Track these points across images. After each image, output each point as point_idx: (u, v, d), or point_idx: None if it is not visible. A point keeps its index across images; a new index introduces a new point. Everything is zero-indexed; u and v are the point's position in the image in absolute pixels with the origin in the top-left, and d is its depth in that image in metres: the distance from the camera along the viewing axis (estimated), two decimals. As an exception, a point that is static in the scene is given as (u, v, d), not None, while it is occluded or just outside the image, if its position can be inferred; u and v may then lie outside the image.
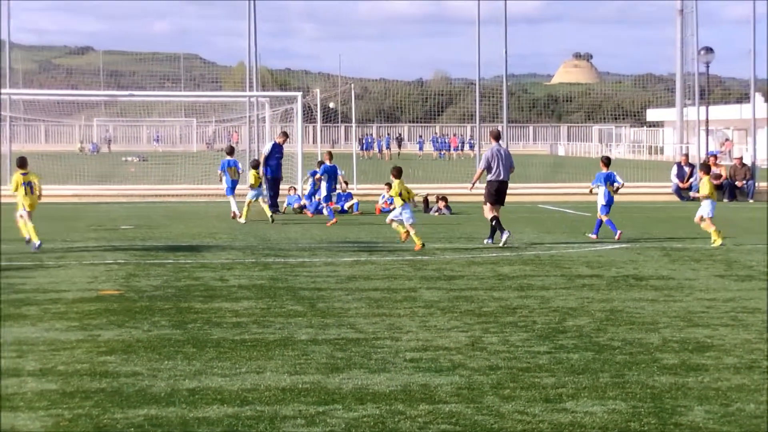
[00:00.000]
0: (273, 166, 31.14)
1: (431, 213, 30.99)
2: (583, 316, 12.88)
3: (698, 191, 22.73)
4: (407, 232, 21.09)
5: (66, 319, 12.48)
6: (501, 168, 21.77)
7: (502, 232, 21.35)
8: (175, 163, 51.75)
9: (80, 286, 15.28)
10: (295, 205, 31.75)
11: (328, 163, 28.89)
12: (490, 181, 21.87)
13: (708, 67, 44.28)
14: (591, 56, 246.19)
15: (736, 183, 39.78)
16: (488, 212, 21.88)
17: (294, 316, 12.74)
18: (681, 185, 39.71)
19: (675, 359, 10.31)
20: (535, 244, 21.81)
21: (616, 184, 23.18)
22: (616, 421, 8.10)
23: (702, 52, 43.88)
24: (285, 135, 32.76)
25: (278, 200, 31.21)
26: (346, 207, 31.32)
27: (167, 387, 9.08)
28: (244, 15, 42.15)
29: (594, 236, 22.87)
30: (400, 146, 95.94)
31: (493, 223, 21.70)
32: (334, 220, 26.97)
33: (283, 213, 31.07)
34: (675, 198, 39.47)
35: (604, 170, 23.19)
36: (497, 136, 22.42)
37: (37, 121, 78.51)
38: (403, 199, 21.11)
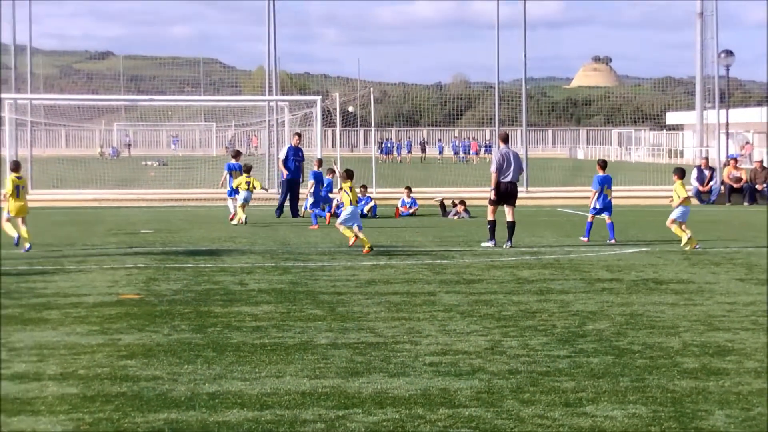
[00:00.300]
0: (291, 169, 31.19)
1: (450, 217, 30.97)
2: (602, 320, 12.86)
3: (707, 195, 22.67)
4: (356, 236, 21.37)
5: (86, 323, 12.53)
6: (512, 169, 22.15)
7: (490, 239, 22.10)
8: (194, 168, 51.86)
9: (101, 290, 15.34)
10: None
11: (316, 169, 29.04)
12: (500, 182, 22.14)
13: (728, 70, 44.13)
14: (610, 59, 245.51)
15: (756, 186, 39.63)
16: (491, 215, 22.31)
17: (313, 320, 12.76)
18: (701, 189, 39.60)
19: (695, 363, 10.28)
20: (554, 248, 21.79)
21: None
22: (637, 425, 8.08)
23: (722, 55, 43.75)
24: (298, 136, 32.78)
25: (298, 204, 31.27)
26: (365, 210, 31.33)
27: (187, 391, 9.10)
28: (263, 19, 42.25)
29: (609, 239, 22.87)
30: (424, 151, 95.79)
31: (489, 227, 22.31)
32: (315, 226, 27.00)
33: (302, 217, 31.11)
34: (695, 201, 39.35)
35: (601, 173, 23.16)
36: (506, 139, 22.87)
37: (57, 125, 78.83)
38: (350, 202, 21.42)
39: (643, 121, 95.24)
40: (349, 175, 22.34)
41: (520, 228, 27.17)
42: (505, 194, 22.14)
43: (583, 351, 10.88)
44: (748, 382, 9.53)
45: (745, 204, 38.89)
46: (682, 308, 13.77)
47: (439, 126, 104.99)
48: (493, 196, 22.31)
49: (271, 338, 11.57)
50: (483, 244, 22.21)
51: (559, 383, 9.44)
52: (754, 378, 9.67)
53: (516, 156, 22.55)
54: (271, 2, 42.24)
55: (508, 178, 22.13)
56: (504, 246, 21.82)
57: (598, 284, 16.15)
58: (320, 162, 29.80)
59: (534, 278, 16.85)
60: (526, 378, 9.64)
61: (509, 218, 22.12)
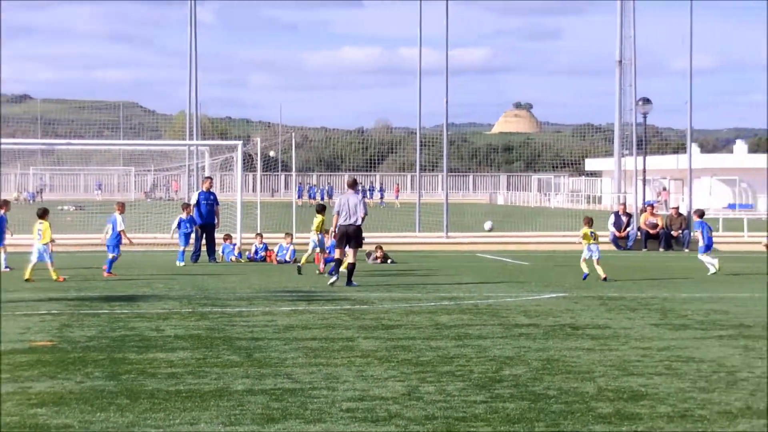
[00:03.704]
0: (202, 213, 31.13)
1: (368, 261, 30.87)
2: (519, 365, 12.91)
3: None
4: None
5: (-3, 370, 12.27)
6: (347, 213, 23.64)
7: (333, 274, 23.61)
8: (111, 212, 51.28)
9: (12, 337, 15.03)
10: (232, 258, 31.60)
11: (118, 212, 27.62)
12: (339, 225, 23.74)
13: (645, 117, 44.82)
14: (531, 106, 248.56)
15: (672, 233, 40.20)
16: (338, 254, 23.99)
17: (230, 366, 12.64)
18: (618, 234, 40.08)
19: (610, 408, 10.35)
20: (473, 293, 21.88)
21: None
22: (551, 470, 8.09)
23: (640, 103, 44.44)
24: (209, 180, 32.88)
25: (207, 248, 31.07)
26: (287, 258, 31.17)
27: (99, 439, 8.95)
28: (185, 64, 42.09)
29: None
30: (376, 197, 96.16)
31: (334, 264, 24.19)
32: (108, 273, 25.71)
33: (218, 262, 31.01)
34: (612, 247, 39.80)
35: None
36: (351, 184, 24.59)
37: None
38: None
39: (562, 167, 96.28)
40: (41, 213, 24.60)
41: (440, 273, 27.31)
42: (345, 236, 23.60)
43: (499, 396, 10.90)
44: (660, 426, 9.61)
45: (661, 250, 39.41)
46: (598, 353, 13.87)
47: (361, 171, 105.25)
48: (333, 237, 24.65)
49: (187, 385, 11.43)
50: (329, 282, 23.34)
51: (475, 428, 9.44)
52: (667, 422, 9.76)
53: (355, 201, 23.82)
54: (193, 45, 42.13)
55: (346, 222, 23.63)
56: (346, 284, 23.13)
57: (516, 329, 16.23)
58: (122, 206, 28.23)
59: (452, 323, 16.89)
60: (443, 424, 9.63)
61: (350, 260, 23.54)
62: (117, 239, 26.43)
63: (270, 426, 9.50)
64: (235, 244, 32.63)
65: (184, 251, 29.84)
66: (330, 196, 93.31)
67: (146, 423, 9.58)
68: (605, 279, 24.93)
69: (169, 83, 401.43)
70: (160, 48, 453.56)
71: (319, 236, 27.42)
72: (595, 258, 25.36)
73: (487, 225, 30.97)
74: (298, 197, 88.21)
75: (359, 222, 23.75)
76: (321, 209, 27.69)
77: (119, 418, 9.75)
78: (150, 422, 9.61)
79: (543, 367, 12.71)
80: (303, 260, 27.25)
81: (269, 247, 32.02)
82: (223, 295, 21.21)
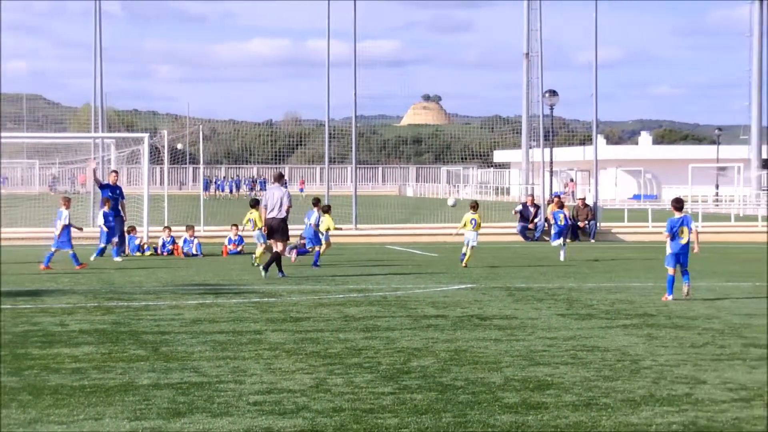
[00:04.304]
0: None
1: (286, 254, 30.67)
2: (427, 356, 12.95)
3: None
4: None
5: None
6: (272, 206, 24.03)
7: (264, 269, 23.56)
8: (15, 206, 50.43)
9: None
10: (137, 253, 31.28)
11: (64, 208, 27.31)
12: (266, 218, 24.22)
13: (552, 109, 45.25)
14: (440, 98, 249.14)
15: (579, 223, 40.67)
16: (274, 246, 24.23)
17: (136, 361, 12.51)
18: (523, 224, 40.46)
19: (516, 398, 10.44)
20: (382, 285, 21.91)
21: None
22: (458, 460, 8.13)
23: (547, 95, 44.85)
24: (115, 173, 32.60)
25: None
26: (193, 251, 30.92)
27: (0, 437, 8.80)
28: (90, 56, 41.48)
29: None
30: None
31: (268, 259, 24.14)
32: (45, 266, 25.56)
33: (126, 255, 30.65)
34: (520, 238, 40.17)
35: None
36: (277, 178, 25.04)
37: None
38: None
39: (471, 159, 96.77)
40: None
41: (349, 265, 27.32)
42: (270, 229, 24.08)
43: (407, 387, 10.93)
44: (565, 415, 9.72)
45: (568, 240, 39.79)
46: (505, 344, 13.98)
47: (270, 163, 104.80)
48: (263, 231, 24.93)
49: (91, 380, 11.29)
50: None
51: (383, 420, 9.46)
52: (572, 411, 9.87)
53: (280, 194, 24.08)
54: (98, 37, 41.57)
55: (271, 215, 23.96)
56: (267, 275, 23.20)
57: (424, 321, 16.29)
58: (68, 201, 27.93)
59: (361, 315, 16.90)
60: (350, 415, 9.63)
61: (277, 250, 23.83)
62: (68, 234, 26.15)
63: (176, 420, 9.42)
64: (136, 237, 32.24)
65: (117, 246, 29.59)
66: (238, 189, 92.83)
67: (49, 419, 9.43)
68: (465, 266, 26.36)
69: (72, 75, 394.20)
70: (61, 40, 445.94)
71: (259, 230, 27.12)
72: (470, 245, 26.77)
73: (451, 200, 31.64)
74: (205, 190, 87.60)
75: (283, 215, 23.99)
76: (255, 204, 27.68)
77: (21, 415, 9.59)
78: (53, 418, 9.47)
79: (450, 358, 12.78)
80: (258, 256, 26.97)
81: (176, 241, 31.74)
82: (129, 289, 20.97)
